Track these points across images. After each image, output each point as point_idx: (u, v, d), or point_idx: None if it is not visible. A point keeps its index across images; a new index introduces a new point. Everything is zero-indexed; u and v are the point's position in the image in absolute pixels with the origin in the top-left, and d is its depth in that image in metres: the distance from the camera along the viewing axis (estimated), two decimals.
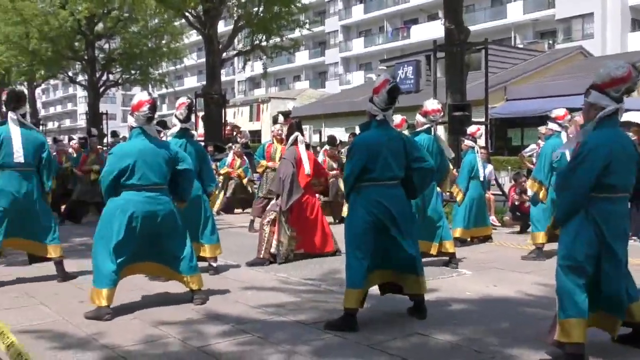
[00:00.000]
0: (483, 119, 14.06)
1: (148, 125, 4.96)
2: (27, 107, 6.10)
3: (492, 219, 10.63)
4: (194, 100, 24.11)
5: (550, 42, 35.90)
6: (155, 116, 5.09)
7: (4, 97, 5.95)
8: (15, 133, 5.78)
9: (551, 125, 7.33)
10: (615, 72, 3.60)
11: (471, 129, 8.98)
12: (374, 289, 5.23)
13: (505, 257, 7.56)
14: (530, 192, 7.92)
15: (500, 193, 12.47)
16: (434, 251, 6.67)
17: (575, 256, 3.61)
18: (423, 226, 6.42)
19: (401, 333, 4.32)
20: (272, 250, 7.03)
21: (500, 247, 8.52)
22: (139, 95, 5.05)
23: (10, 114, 5.84)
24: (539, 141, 9.35)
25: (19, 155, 5.74)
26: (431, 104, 6.89)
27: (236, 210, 12.76)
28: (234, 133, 23.02)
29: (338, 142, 12.09)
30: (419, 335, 4.28)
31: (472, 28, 14.76)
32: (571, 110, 7.74)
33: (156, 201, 4.86)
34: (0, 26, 26.48)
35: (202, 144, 10.90)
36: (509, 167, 19.13)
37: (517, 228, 9.93)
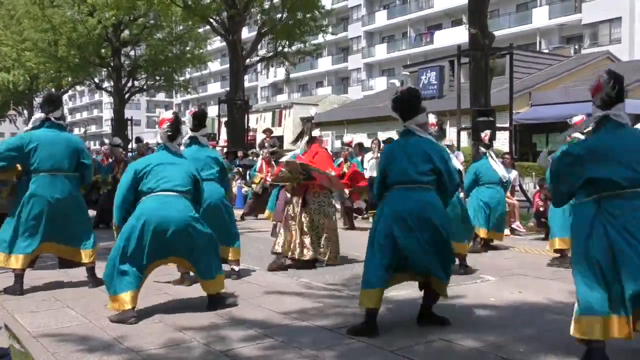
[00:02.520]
0: (507, 125, 13.95)
1: (170, 143, 5.13)
2: (61, 111, 6.10)
3: (517, 225, 10.54)
4: (218, 106, 24.27)
5: (577, 47, 35.46)
6: (183, 132, 5.24)
7: (40, 102, 6.03)
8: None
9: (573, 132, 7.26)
10: (592, 83, 3.85)
11: (481, 134, 8.91)
12: (396, 295, 5.21)
13: (529, 264, 7.47)
14: None
15: (525, 199, 12.35)
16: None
17: (589, 253, 3.58)
18: None
19: (424, 339, 4.29)
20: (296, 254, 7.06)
21: (524, 253, 8.43)
22: (163, 113, 5.25)
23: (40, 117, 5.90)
24: (564, 147, 9.24)
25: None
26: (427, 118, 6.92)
27: (260, 216, 12.80)
28: (265, 137, 23.10)
29: (351, 140, 12.80)
30: (443, 341, 4.24)
31: (496, 33, 14.65)
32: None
33: (172, 206, 4.85)
34: (30, 33, 26.98)
35: (225, 149, 10.99)
36: (534, 173, 18.92)
37: (542, 234, 9.82)
